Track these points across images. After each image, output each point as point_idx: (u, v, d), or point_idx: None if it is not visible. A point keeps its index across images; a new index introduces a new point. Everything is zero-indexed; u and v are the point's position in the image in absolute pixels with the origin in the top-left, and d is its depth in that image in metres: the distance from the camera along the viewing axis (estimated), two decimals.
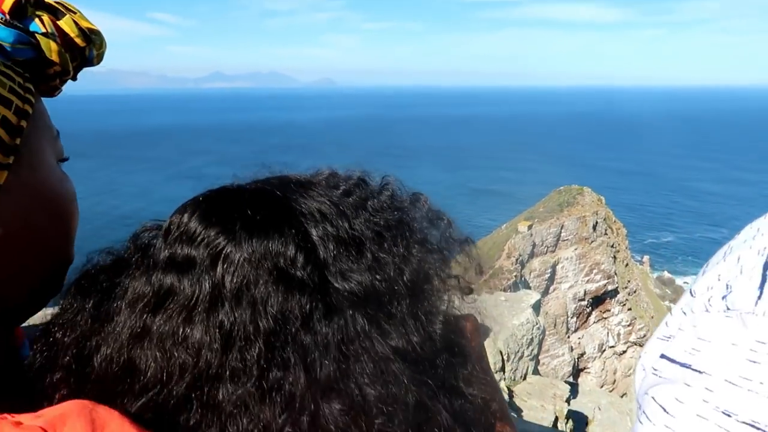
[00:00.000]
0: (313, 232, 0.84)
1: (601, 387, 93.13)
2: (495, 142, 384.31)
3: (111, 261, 0.90)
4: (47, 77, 0.88)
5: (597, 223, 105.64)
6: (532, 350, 21.10)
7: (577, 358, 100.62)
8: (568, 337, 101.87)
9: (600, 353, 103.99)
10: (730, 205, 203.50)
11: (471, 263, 1.11)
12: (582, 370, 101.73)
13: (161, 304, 0.78)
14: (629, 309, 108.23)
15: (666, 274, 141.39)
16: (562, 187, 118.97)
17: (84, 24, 0.91)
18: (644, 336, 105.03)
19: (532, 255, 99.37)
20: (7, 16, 0.78)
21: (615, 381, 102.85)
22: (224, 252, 0.78)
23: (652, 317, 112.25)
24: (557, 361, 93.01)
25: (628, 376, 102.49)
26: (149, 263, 0.82)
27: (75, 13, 0.90)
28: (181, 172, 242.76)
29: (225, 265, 0.77)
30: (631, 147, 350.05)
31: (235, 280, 0.77)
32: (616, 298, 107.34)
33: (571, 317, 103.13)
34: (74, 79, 0.95)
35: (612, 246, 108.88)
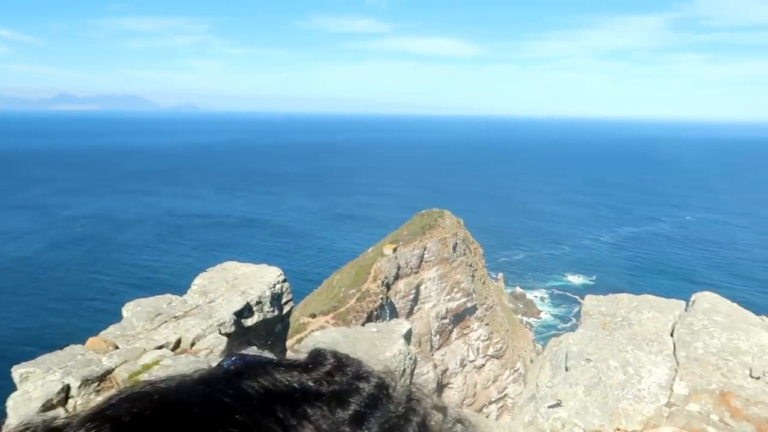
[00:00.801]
0: None
1: (463, 401, 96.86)
2: (359, 168, 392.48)
3: None
4: None
5: (456, 244, 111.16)
6: (405, 381, 20.79)
7: (441, 375, 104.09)
8: (432, 354, 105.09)
9: (461, 368, 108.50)
10: (568, 224, 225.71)
11: None
12: (445, 385, 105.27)
13: None
14: (487, 324, 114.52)
15: (518, 289, 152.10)
16: (424, 211, 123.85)
17: None
18: (501, 349, 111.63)
19: (397, 277, 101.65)
20: None
21: (475, 394, 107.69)
22: None
23: (507, 330, 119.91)
24: (422, 380, 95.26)
25: (487, 388, 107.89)
26: None
27: None
28: (18, 202, 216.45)
29: None
30: (484, 172, 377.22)
31: None
32: (475, 315, 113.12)
33: (435, 335, 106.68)
34: None
35: (470, 265, 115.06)
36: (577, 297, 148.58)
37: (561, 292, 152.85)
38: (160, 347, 10.53)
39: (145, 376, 9.27)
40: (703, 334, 8.79)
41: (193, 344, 10.81)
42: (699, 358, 8.30)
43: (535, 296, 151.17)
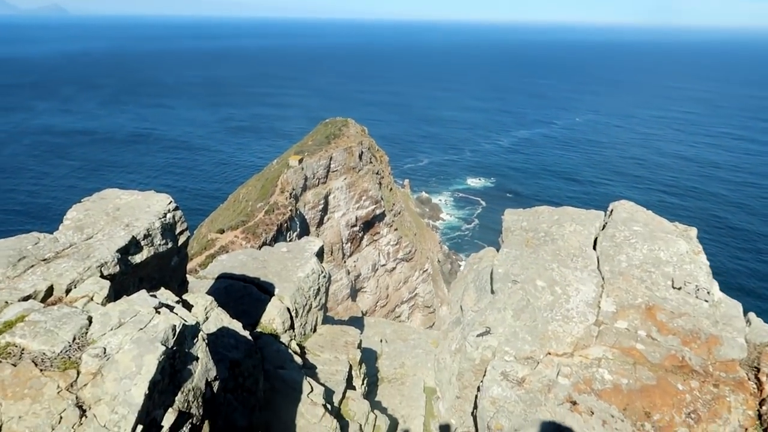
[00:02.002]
0: None
1: (377, 303, 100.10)
2: (255, 76, 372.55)
3: None
4: None
5: (363, 152, 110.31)
6: (320, 300, 19.60)
7: (354, 280, 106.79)
8: (345, 261, 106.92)
9: (374, 272, 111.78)
10: (467, 129, 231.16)
11: None
12: (359, 290, 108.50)
13: None
14: (396, 229, 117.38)
15: (424, 194, 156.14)
16: (328, 120, 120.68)
17: None
18: (410, 252, 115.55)
19: (305, 188, 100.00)
20: None
21: (388, 296, 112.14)
22: None
23: (415, 234, 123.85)
24: (336, 286, 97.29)
25: (399, 289, 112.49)
26: None
27: None
28: None
29: None
30: (382, 79, 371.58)
31: None
32: (384, 221, 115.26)
33: (346, 243, 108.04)
34: None
35: (377, 173, 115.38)
36: (479, 199, 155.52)
37: (464, 195, 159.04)
38: (26, 298, 8.87)
39: (7, 337, 7.72)
40: (626, 246, 8.58)
41: (68, 291, 9.22)
42: (623, 271, 8.09)
43: (440, 200, 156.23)
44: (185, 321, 8.17)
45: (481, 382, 6.92)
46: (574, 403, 6.52)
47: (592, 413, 6.40)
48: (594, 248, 8.95)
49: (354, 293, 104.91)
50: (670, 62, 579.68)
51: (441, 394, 8.27)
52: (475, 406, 7.36)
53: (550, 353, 7.11)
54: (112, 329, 7.67)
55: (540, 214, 10.08)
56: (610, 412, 6.43)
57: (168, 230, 11.76)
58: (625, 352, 7.06)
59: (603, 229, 9.44)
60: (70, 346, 7.47)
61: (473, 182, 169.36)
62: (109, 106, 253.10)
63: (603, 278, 8.08)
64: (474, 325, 7.68)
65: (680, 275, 7.95)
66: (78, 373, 7.10)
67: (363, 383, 18.86)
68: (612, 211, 9.78)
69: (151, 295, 8.69)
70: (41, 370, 7.10)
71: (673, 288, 7.76)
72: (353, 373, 18.11)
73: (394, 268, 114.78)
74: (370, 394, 21.07)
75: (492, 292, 8.24)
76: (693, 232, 9.15)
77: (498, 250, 10.73)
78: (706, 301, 7.59)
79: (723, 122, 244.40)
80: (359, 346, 19.08)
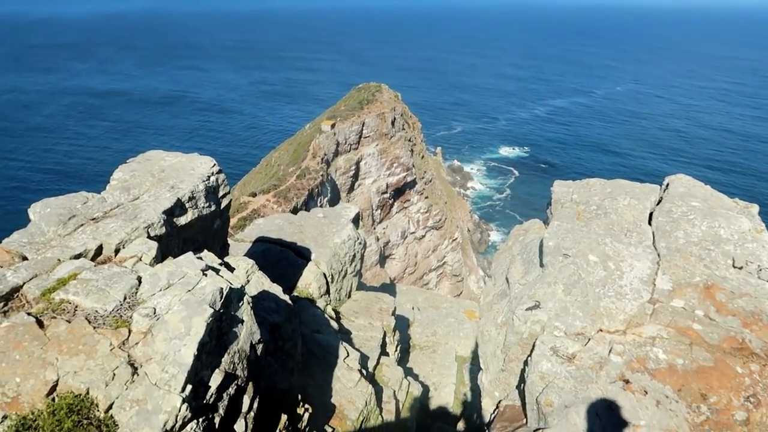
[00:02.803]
0: None
1: (405, 270, 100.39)
2: (287, 39, 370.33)
3: None
4: None
5: (395, 119, 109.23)
6: (355, 266, 19.50)
7: (383, 247, 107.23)
8: (374, 228, 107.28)
9: (403, 240, 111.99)
10: (502, 97, 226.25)
11: None
12: (388, 257, 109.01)
13: None
14: (426, 197, 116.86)
15: (456, 163, 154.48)
16: (361, 85, 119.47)
17: None
18: (440, 220, 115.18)
19: (336, 153, 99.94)
20: None
21: (416, 263, 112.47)
22: None
23: (446, 203, 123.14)
24: (365, 252, 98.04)
25: (427, 257, 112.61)
26: None
27: None
28: None
29: None
30: (417, 44, 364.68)
31: None
32: (415, 189, 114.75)
33: (376, 210, 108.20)
34: None
35: (409, 140, 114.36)
36: (512, 169, 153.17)
37: (496, 165, 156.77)
38: (78, 256, 9.05)
39: (61, 294, 7.90)
40: (683, 222, 8.23)
41: (117, 251, 9.37)
42: (680, 248, 7.77)
43: (472, 169, 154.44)
44: (231, 284, 8.23)
45: (529, 356, 6.79)
46: (627, 381, 6.35)
47: (646, 393, 6.23)
48: (649, 223, 8.62)
49: (383, 260, 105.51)
50: (718, 29, 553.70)
51: (485, 366, 8.20)
52: (522, 380, 7.26)
53: (601, 330, 6.92)
54: (161, 290, 7.77)
55: (591, 187, 9.73)
56: (664, 393, 6.25)
57: (211, 193, 11.81)
58: (681, 332, 6.82)
59: (658, 203, 9.07)
60: (121, 305, 7.60)
61: (506, 151, 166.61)
62: (145, 67, 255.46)
63: (659, 255, 7.78)
64: (522, 299, 7.52)
65: (741, 254, 7.60)
66: (129, 331, 7.23)
67: (396, 350, 19.01)
68: (668, 185, 9.37)
69: (197, 257, 8.77)
70: (94, 328, 7.26)
71: (734, 267, 7.43)
72: (387, 339, 18.25)
73: (423, 236, 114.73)
74: (402, 360, 21.29)
75: (541, 265, 8.04)
76: (755, 209, 8.72)
77: (544, 222, 10.46)
78: None
79: None
80: (393, 314, 19.19)
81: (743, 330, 6.79)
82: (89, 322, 7.30)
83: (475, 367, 22.70)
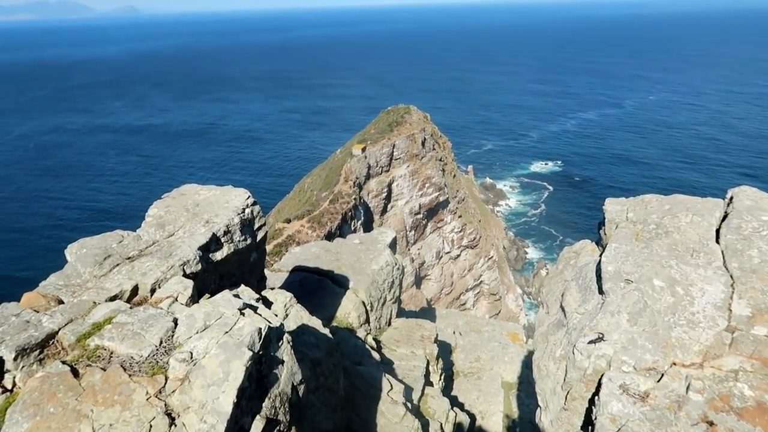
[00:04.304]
0: None
1: (441, 290, 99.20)
2: (314, 68, 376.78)
3: None
4: None
5: (425, 139, 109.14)
6: (394, 293, 18.86)
7: (418, 268, 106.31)
8: (408, 249, 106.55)
9: (438, 260, 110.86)
10: (529, 113, 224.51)
11: None
12: (423, 278, 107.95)
13: None
14: (460, 216, 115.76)
15: (488, 180, 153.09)
16: (390, 107, 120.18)
17: None
18: (474, 239, 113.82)
19: (368, 176, 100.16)
20: None
21: (453, 283, 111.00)
22: None
23: (480, 221, 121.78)
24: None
25: (464, 277, 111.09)
26: None
27: None
28: None
29: None
30: (439, 65, 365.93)
31: None
32: (448, 208, 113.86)
33: (410, 231, 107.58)
34: None
35: (440, 160, 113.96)
36: (545, 184, 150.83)
37: (529, 181, 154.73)
38: (113, 298, 8.84)
39: (96, 340, 7.65)
40: (756, 239, 7.52)
41: (153, 291, 9.13)
42: (756, 268, 7.06)
43: (504, 186, 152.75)
44: (270, 323, 7.85)
45: (597, 396, 6.16)
46: (711, 423, 5.66)
47: None
48: (717, 242, 7.92)
49: (418, 281, 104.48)
50: (745, 31, 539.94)
51: (543, 405, 7.56)
52: (588, 421, 6.62)
53: (675, 364, 6.24)
54: (197, 332, 7.44)
55: (647, 204, 9.06)
56: None
57: (247, 226, 11.56)
58: (766, 364, 6.10)
59: (724, 219, 8.36)
60: (157, 349, 7.30)
61: (538, 167, 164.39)
62: (178, 101, 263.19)
63: (732, 277, 7.08)
64: (582, 330, 6.90)
65: None
66: (166, 378, 6.90)
67: (440, 378, 18.33)
68: (732, 198, 8.66)
69: (234, 295, 8.44)
70: (130, 375, 6.96)
71: None
72: (430, 368, 17.60)
73: (458, 256, 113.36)
74: (446, 389, 20.53)
75: (600, 292, 7.41)
76: None
77: (597, 244, 9.81)
78: None
79: None
80: (436, 341, 18.55)
81: None
82: (125, 370, 7.01)
83: (522, 393, 21.75)
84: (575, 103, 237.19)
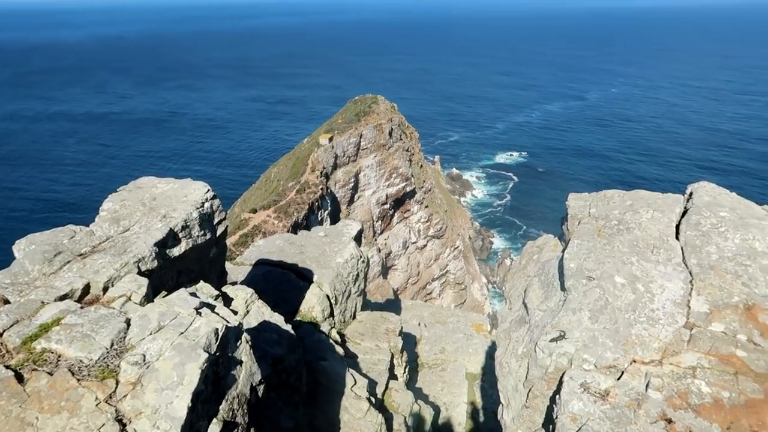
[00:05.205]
0: None
1: (408, 280, 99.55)
2: (280, 56, 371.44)
3: None
4: None
5: (392, 129, 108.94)
6: (359, 286, 18.68)
7: (385, 258, 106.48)
8: (375, 240, 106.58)
9: (404, 250, 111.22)
10: (495, 105, 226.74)
11: None
12: (390, 267, 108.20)
13: None
14: (426, 206, 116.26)
15: (455, 171, 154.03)
16: (357, 97, 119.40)
17: None
18: (441, 229, 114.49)
19: (335, 166, 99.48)
20: None
21: (419, 273, 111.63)
22: None
23: (446, 211, 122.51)
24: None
25: (430, 266, 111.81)
26: None
27: None
28: None
29: None
30: (406, 56, 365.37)
31: None
32: (415, 198, 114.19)
33: (377, 221, 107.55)
34: None
35: (407, 150, 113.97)
36: (511, 174, 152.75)
37: (495, 171, 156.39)
38: (63, 297, 8.43)
39: (43, 343, 7.27)
40: (714, 236, 7.62)
41: (105, 290, 8.75)
42: (714, 265, 7.16)
43: (471, 176, 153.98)
44: (228, 322, 7.59)
45: (558, 395, 6.15)
46: (670, 421, 5.70)
47: None
48: (677, 238, 8.02)
49: (385, 271, 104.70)
50: (705, 27, 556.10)
51: (505, 402, 7.55)
52: (548, 419, 6.62)
53: (635, 361, 6.28)
54: (151, 333, 7.14)
55: (609, 199, 9.12)
56: None
57: (206, 220, 11.21)
58: (723, 360, 6.19)
59: (684, 215, 8.47)
60: (108, 352, 6.97)
61: (504, 158, 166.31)
62: (140, 88, 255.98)
63: (691, 273, 7.16)
64: (545, 328, 6.89)
65: None
66: (117, 382, 6.59)
67: (405, 371, 18.31)
68: (691, 194, 8.77)
69: (191, 294, 8.13)
70: (78, 380, 6.61)
71: None
72: (395, 361, 17.53)
73: (425, 246, 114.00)
74: (411, 381, 20.53)
75: (563, 289, 7.41)
76: None
77: (559, 239, 9.85)
78: None
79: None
80: (400, 333, 18.49)
81: None
82: (73, 374, 6.67)
83: (486, 384, 21.97)
84: (539, 95, 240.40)
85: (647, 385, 6.02)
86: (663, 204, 8.72)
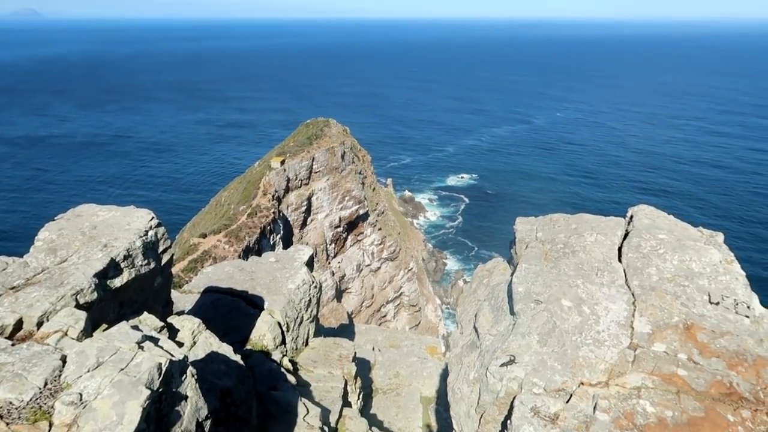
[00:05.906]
0: None
1: (362, 303, 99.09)
2: (229, 78, 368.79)
3: None
4: None
5: (345, 152, 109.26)
6: (311, 312, 18.45)
7: (339, 281, 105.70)
8: (329, 263, 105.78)
9: (358, 273, 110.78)
10: (444, 129, 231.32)
11: None
12: (344, 291, 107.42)
13: None
14: (379, 229, 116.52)
15: (407, 193, 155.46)
16: (309, 120, 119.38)
17: None
18: (394, 251, 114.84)
19: (287, 189, 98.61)
20: None
21: (373, 296, 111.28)
22: None
23: (399, 233, 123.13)
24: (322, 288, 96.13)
25: (384, 289, 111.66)
26: None
27: None
28: None
29: None
30: (355, 80, 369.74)
31: None
32: (368, 221, 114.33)
33: (330, 244, 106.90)
34: None
35: (360, 173, 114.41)
36: (462, 196, 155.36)
37: (446, 193, 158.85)
38: None
39: None
40: (654, 257, 7.91)
41: (39, 324, 8.27)
42: (655, 286, 7.41)
43: (423, 198, 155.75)
44: (172, 356, 7.29)
45: (509, 420, 6.17)
46: None
47: None
48: (620, 260, 8.28)
49: (339, 294, 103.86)
50: (653, 55, 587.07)
51: (458, 428, 7.53)
52: None
53: (583, 383, 6.39)
54: (89, 370, 6.77)
55: (555, 223, 9.36)
56: None
57: (150, 249, 10.81)
58: (666, 380, 6.37)
59: (625, 238, 8.78)
60: (41, 392, 6.55)
61: (454, 180, 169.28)
62: (82, 110, 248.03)
63: (633, 295, 7.40)
64: (495, 353, 6.94)
65: (716, 288, 7.30)
66: (50, 425, 6.19)
67: (359, 398, 18.05)
68: (632, 217, 9.11)
69: (132, 327, 7.79)
70: (8, 424, 6.19)
71: (710, 303, 7.11)
72: (348, 388, 17.27)
73: (378, 268, 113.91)
74: (365, 407, 20.25)
75: (512, 313, 7.50)
76: (720, 237, 8.53)
77: (508, 262, 10.01)
78: (747, 316, 6.97)
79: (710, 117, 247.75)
80: (354, 359, 18.26)
81: (729, 372, 6.40)
82: (2, 417, 6.24)
83: (440, 407, 21.92)
84: (487, 119, 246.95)
85: (595, 407, 6.12)
86: (606, 227, 9.02)
